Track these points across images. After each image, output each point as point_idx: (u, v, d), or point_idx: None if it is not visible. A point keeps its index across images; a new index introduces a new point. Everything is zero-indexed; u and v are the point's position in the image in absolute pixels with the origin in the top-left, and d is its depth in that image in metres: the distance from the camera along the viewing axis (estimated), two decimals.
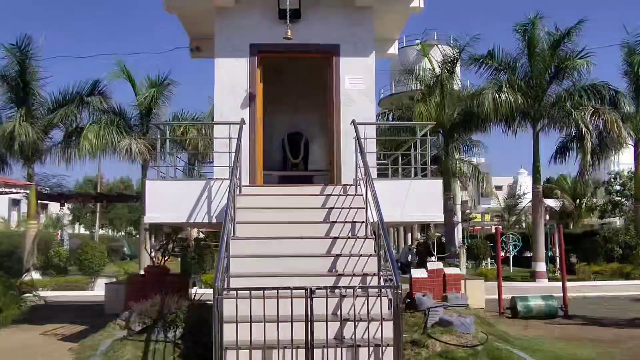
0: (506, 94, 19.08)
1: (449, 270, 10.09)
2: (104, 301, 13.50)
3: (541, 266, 20.36)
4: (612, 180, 34.52)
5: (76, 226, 44.67)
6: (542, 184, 21.70)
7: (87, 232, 43.18)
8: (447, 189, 22.40)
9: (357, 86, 8.93)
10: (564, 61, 20.02)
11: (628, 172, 29.94)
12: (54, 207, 39.08)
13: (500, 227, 34.30)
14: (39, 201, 23.86)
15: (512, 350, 7.02)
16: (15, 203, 42.74)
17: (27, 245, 20.42)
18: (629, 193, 30.16)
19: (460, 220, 25.98)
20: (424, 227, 32.56)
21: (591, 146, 19.72)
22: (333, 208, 7.38)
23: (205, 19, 9.78)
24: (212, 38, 9.54)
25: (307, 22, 9.13)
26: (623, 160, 31.09)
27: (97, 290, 18.31)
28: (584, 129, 19.09)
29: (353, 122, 7.96)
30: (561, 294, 12.70)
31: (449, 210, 22.43)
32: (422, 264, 10.80)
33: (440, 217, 7.68)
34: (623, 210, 32.78)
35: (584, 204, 37.92)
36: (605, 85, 20.54)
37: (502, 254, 21.42)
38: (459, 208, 26.19)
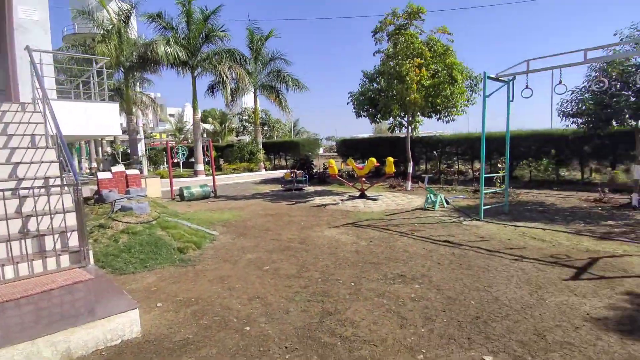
0: (172, 48, 17.91)
1: (130, 172, 9.19)
2: None
3: (200, 167, 20.68)
4: (243, 112, 38.40)
5: None
6: (200, 113, 21.69)
7: None
8: (130, 113, 20.15)
9: (31, 17, 6.66)
10: (212, 31, 19.78)
11: (251, 108, 32.77)
12: None
13: (173, 142, 33.98)
14: None
15: (178, 220, 7.10)
16: None
17: None
18: (252, 120, 33.75)
19: (143, 137, 23.56)
20: (111, 142, 28.92)
21: (230, 89, 20.67)
22: (11, 122, 5.57)
23: None
24: None
25: None
26: (248, 100, 34.52)
27: None
28: (225, 77, 19.86)
29: (27, 48, 5.98)
30: (212, 183, 13.47)
31: (132, 129, 20.29)
32: (108, 170, 9.59)
33: (117, 132, 6.73)
34: (249, 131, 36.96)
35: (227, 127, 40.87)
36: (237, 51, 21.20)
37: (173, 160, 21.19)
38: (141, 128, 23.75)
